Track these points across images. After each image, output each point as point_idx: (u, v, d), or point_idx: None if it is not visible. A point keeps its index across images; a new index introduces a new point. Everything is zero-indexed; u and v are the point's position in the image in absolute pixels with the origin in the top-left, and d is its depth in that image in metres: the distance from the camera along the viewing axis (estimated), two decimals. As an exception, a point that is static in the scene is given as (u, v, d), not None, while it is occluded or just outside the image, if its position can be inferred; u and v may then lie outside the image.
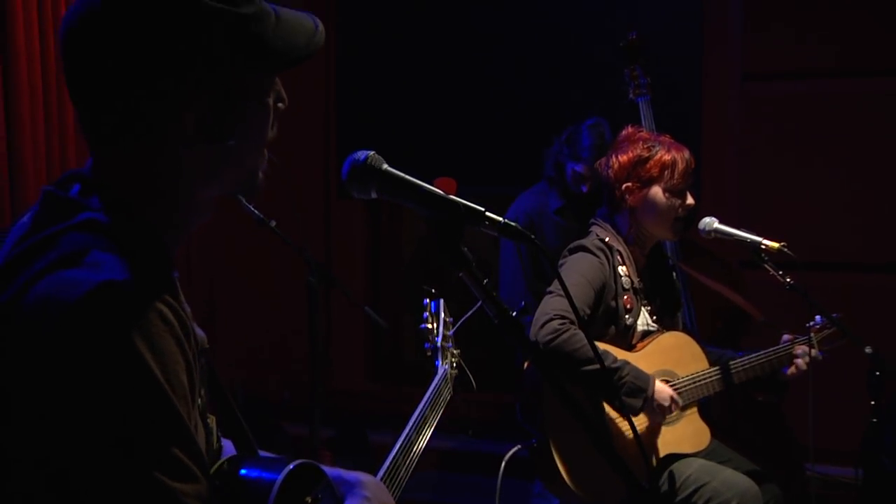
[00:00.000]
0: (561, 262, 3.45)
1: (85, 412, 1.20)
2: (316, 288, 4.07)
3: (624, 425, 3.31)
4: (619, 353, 3.36)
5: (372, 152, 1.66)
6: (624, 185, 3.44)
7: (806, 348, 3.51)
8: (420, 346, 2.79)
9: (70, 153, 4.25)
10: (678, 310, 3.67)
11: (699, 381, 3.47)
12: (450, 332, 2.81)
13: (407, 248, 6.32)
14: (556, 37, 5.35)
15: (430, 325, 2.78)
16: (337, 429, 5.52)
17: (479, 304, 3.04)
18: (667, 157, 3.40)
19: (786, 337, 3.57)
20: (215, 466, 1.51)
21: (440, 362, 2.72)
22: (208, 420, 1.54)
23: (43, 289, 1.25)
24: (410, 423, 2.38)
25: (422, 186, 1.66)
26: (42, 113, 4.12)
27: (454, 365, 2.76)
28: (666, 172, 3.40)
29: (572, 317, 3.20)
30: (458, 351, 2.80)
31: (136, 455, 1.21)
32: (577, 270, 3.36)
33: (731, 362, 3.50)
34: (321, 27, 1.49)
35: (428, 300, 2.81)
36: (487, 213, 1.67)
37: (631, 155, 3.43)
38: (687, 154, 3.43)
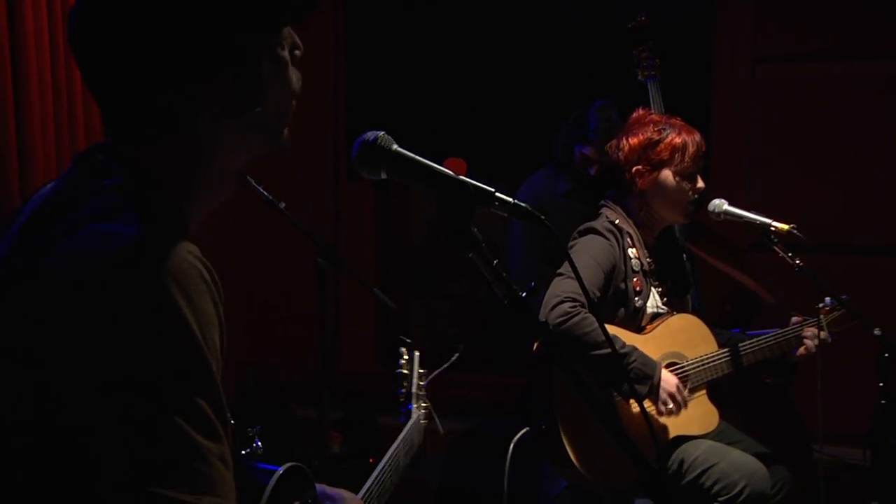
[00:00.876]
0: (571, 244, 3.45)
1: (119, 361, 1.17)
2: (325, 270, 4.07)
3: (633, 407, 3.31)
4: (629, 336, 3.36)
5: (382, 133, 1.66)
6: (634, 168, 3.44)
7: (815, 330, 3.52)
8: (430, 330, 2.85)
9: (79, 141, 4.25)
10: (688, 292, 3.67)
11: (708, 363, 3.47)
12: (423, 383, 2.90)
13: (416, 230, 6.32)
14: (566, 18, 5.33)
15: (405, 371, 2.87)
16: (346, 411, 5.53)
17: (456, 355, 3.14)
18: (677, 140, 3.39)
19: (795, 319, 3.58)
20: None
21: (413, 406, 2.81)
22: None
23: (77, 241, 1.23)
24: (384, 462, 2.45)
25: (432, 167, 1.66)
26: (51, 101, 4.12)
27: (424, 415, 2.85)
28: (676, 156, 3.39)
29: (583, 299, 3.20)
30: (427, 404, 2.89)
31: (168, 405, 1.18)
32: (588, 252, 3.36)
33: (741, 344, 3.51)
34: None
35: (405, 350, 2.88)
36: (497, 194, 1.67)
37: (641, 138, 3.42)
38: (698, 137, 3.42)
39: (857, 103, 4.85)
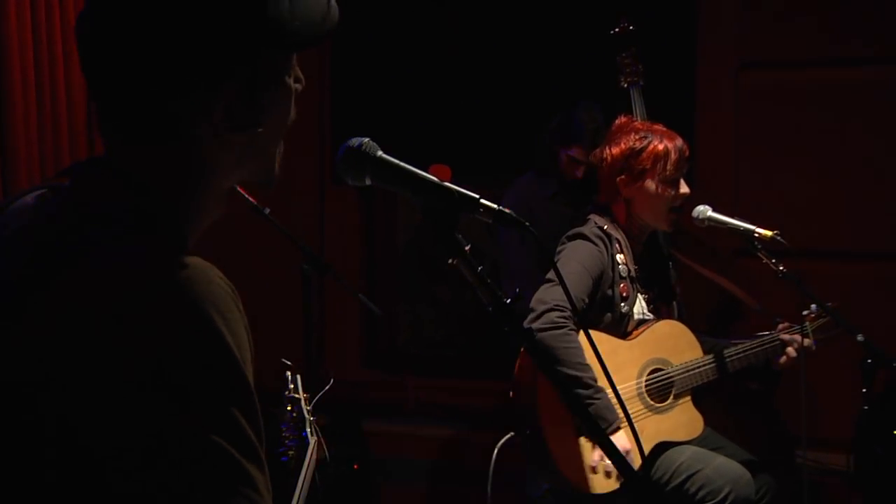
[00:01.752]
0: (559, 249, 3.46)
1: (169, 394, 1.15)
2: (310, 276, 4.07)
3: (618, 412, 3.31)
4: (614, 342, 3.37)
5: (367, 139, 1.67)
6: (618, 178, 3.45)
7: (798, 337, 3.52)
8: (416, 336, 2.86)
9: (63, 141, 4.24)
10: (674, 299, 3.68)
11: (693, 369, 3.48)
12: (309, 406, 2.95)
13: (402, 236, 6.32)
14: (549, 24, 5.33)
15: (296, 395, 2.93)
16: (330, 417, 5.52)
17: (330, 382, 3.16)
18: (660, 148, 3.40)
19: (781, 326, 3.59)
20: None
21: (307, 433, 2.86)
22: None
23: (100, 262, 1.21)
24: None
25: (416, 173, 1.67)
26: (35, 103, 4.11)
27: (313, 432, 2.90)
28: (659, 164, 3.41)
29: (571, 308, 3.20)
30: (314, 419, 2.94)
31: (218, 432, 1.16)
32: (576, 258, 3.36)
33: (726, 351, 3.52)
34: (334, 2, 1.45)
35: (289, 374, 2.91)
36: (482, 201, 1.68)
37: (623, 147, 3.43)
38: (680, 142, 3.44)
39: (843, 109, 4.86)
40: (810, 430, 3.33)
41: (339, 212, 5.96)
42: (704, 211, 3.54)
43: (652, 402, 3.42)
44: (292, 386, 2.85)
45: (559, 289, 3.23)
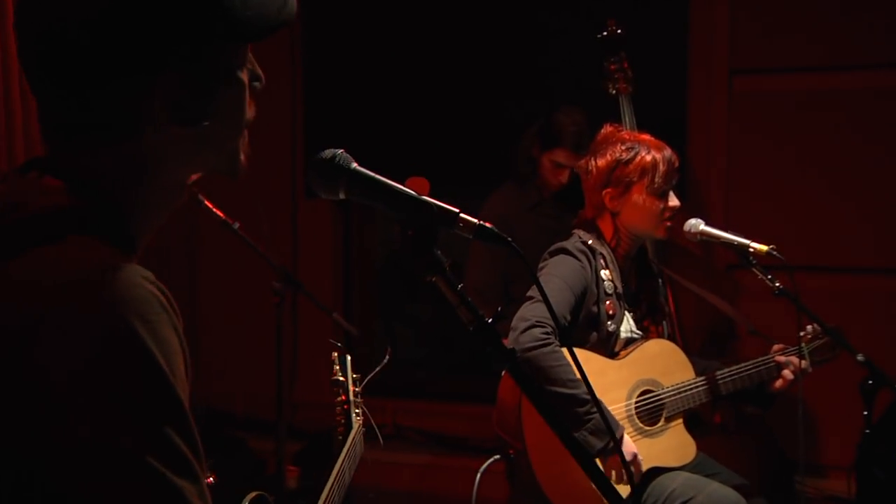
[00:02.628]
0: (541, 265, 3.46)
1: (83, 404, 1.14)
2: (282, 293, 4.08)
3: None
4: (602, 362, 3.38)
5: (340, 151, 1.67)
6: (604, 191, 3.45)
7: (795, 359, 3.52)
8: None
9: (16, 137, 4.23)
10: (664, 316, 3.69)
11: (685, 391, 3.49)
12: (357, 389, 2.92)
13: (378, 251, 6.32)
14: (532, 28, 5.36)
15: (339, 378, 2.88)
16: (304, 443, 5.51)
17: (385, 359, 3.16)
18: (647, 159, 3.41)
19: (776, 347, 3.58)
20: None
21: (353, 416, 2.84)
22: None
23: (20, 268, 1.22)
24: (332, 479, 2.46)
25: (393, 186, 1.67)
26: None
27: (362, 422, 2.88)
28: (647, 176, 3.40)
29: (554, 325, 3.21)
30: (360, 411, 2.91)
31: (139, 445, 1.16)
32: (558, 274, 3.37)
33: (718, 372, 3.52)
34: None
35: (336, 355, 2.90)
36: (462, 215, 1.68)
37: (609, 159, 3.44)
38: (668, 153, 3.44)
39: (840, 117, 4.90)
40: (808, 454, 3.35)
41: (312, 227, 5.97)
42: (696, 224, 3.55)
43: (642, 426, 3.43)
44: (337, 367, 2.86)
45: (542, 305, 3.23)
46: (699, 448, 3.52)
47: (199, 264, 6.01)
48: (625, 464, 1.99)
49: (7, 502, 1.18)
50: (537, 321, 3.21)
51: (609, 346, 3.45)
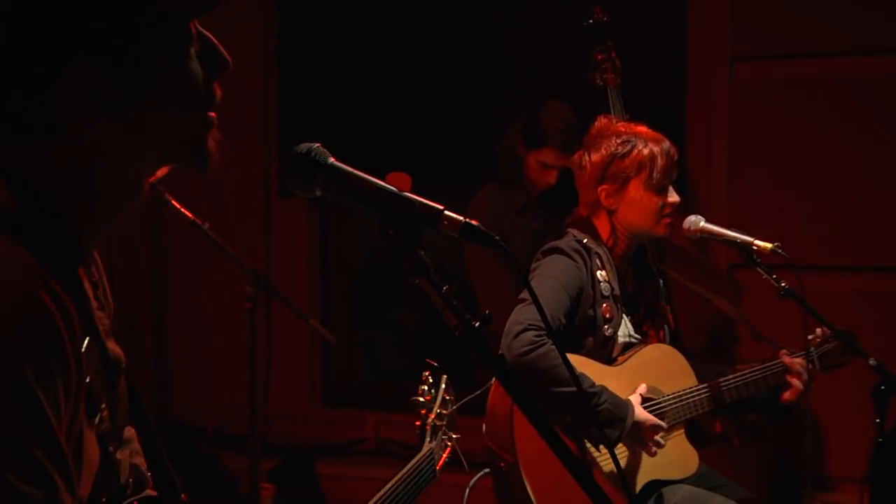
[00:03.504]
0: (534, 265, 3.46)
1: None
2: (255, 299, 4.07)
3: (603, 448, 3.33)
4: (598, 368, 3.38)
5: (316, 145, 1.67)
6: (599, 188, 3.45)
7: (803, 364, 3.52)
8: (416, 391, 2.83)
9: None
10: (664, 320, 3.69)
11: (687, 398, 3.49)
12: (447, 412, 2.86)
13: (357, 253, 6.32)
14: (515, 16, 5.36)
15: (421, 399, 2.82)
16: (279, 459, 5.51)
17: (490, 382, 3.12)
18: (645, 153, 3.40)
19: (781, 352, 3.59)
20: None
21: (426, 440, 2.77)
22: (111, 449, 1.49)
23: None
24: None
25: (373, 183, 1.67)
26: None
27: (446, 447, 2.82)
28: (645, 171, 3.40)
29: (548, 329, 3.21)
30: (457, 436, 2.86)
31: (11, 471, 1.18)
32: (551, 275, 3.37)
33: (722, 378, 3.53)
34: None
35: (428, 373, 2.85)
36: (446, 213, 1.67)
37: (604, 153, 3.43)
38: (666, 145, 3.44)
39: (850, 105, 4.90)
40: (817, 465, 3.35)
41: (287, 226, 5.96)
42: (697, 221, 3.55)
43: (646, 411, 3.43)
44: (425, 387, 2.81)
45: (534, 308, 3.23)
46: (702, 459, 3.53)
47: (165, 268, 6.00)
48: (621, 473, 1.99)
49: None
50: (530, 324, 3.21)
51: (606, 352, 3.45)
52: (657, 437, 3.31)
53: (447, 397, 2.87)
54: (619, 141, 3.43)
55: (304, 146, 1.67)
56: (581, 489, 1.74)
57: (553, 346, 3.18)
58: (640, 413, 3.31)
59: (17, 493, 1.18)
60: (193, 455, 5.59)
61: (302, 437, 5.73)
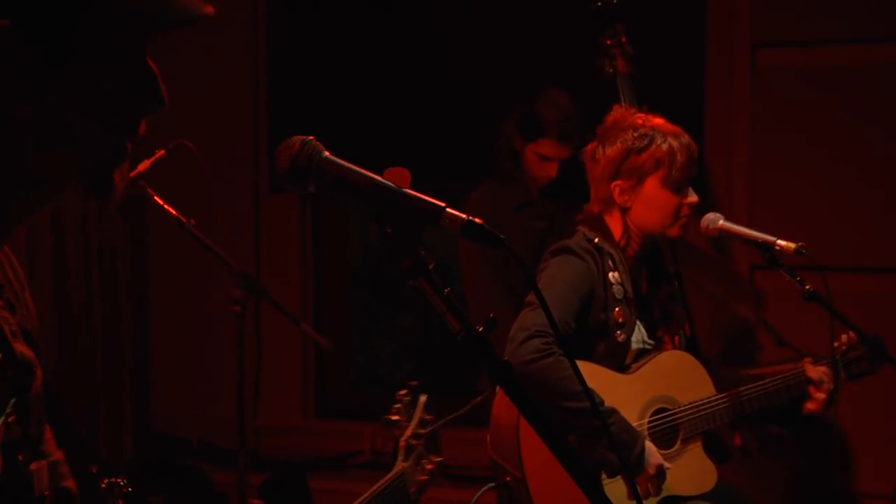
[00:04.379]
0: (542, 266, 3.46)
1: None
2: (244, 302, 4.07)
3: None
4: (611, 376, 3.38)
5: (310, 138, 1.67)
6: (613, 184, 3.44)
7: (828, 373, 3.52)
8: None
9: None
10: (680, 325, 3.68)
11: (705, 409, 3.49)
12: (424, 431, 2.84)
13: (353, 253, 6.32)
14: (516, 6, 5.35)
15: (394, 418, 2.81)
16: (270, 473, 5.51)
17: (480, 398, 3.11)
18: (663, 148, 3.39)
19: (806, 360, 3.59)
20: None
21: (399, 459, 2.75)
22: (20, 458, 1.46)
23: None
24: None
25: (370, 178, 1.67)
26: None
27: (425, 469, 2.81)
28: (662, 168, 3.40)
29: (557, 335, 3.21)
30: (439, 459, 2.86)
31: None
32: (560, 276, 3.36)
33: (742, 388, 3.52)
34: None
35: (405, 391, 2.85)
36: (448, 210, 1.68)
37: (620, 147, 3.42)
38: (686, 139, 3.43)
39: (878, 95, 4.89)
40: (844, 480, 3.35)
41: (278, 224, 5.96)
42: (715, 220, 3.54)
43: (656, 449, 3.43)
44: (399, 405, 2.80)
45: (542, 312, 3.23)
46: (720, 474, 3.53)
47: (149, 269, 5.99)
48: (635, 492, 1.99)
49: None
50: (537, 330, 3.20)
51: (619, 359, 3.45)
52: (656, 484, 3.28)
53: (425, 418, 2.86)
54: (636, 134, 3.41)
55: (296, 139, 1.67)
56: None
57: (562, 357, 3.17)
58: (650, 448, 3.29)
59: None
60: (178, 469, 5.60)
61: (294, 449, 5.73)
